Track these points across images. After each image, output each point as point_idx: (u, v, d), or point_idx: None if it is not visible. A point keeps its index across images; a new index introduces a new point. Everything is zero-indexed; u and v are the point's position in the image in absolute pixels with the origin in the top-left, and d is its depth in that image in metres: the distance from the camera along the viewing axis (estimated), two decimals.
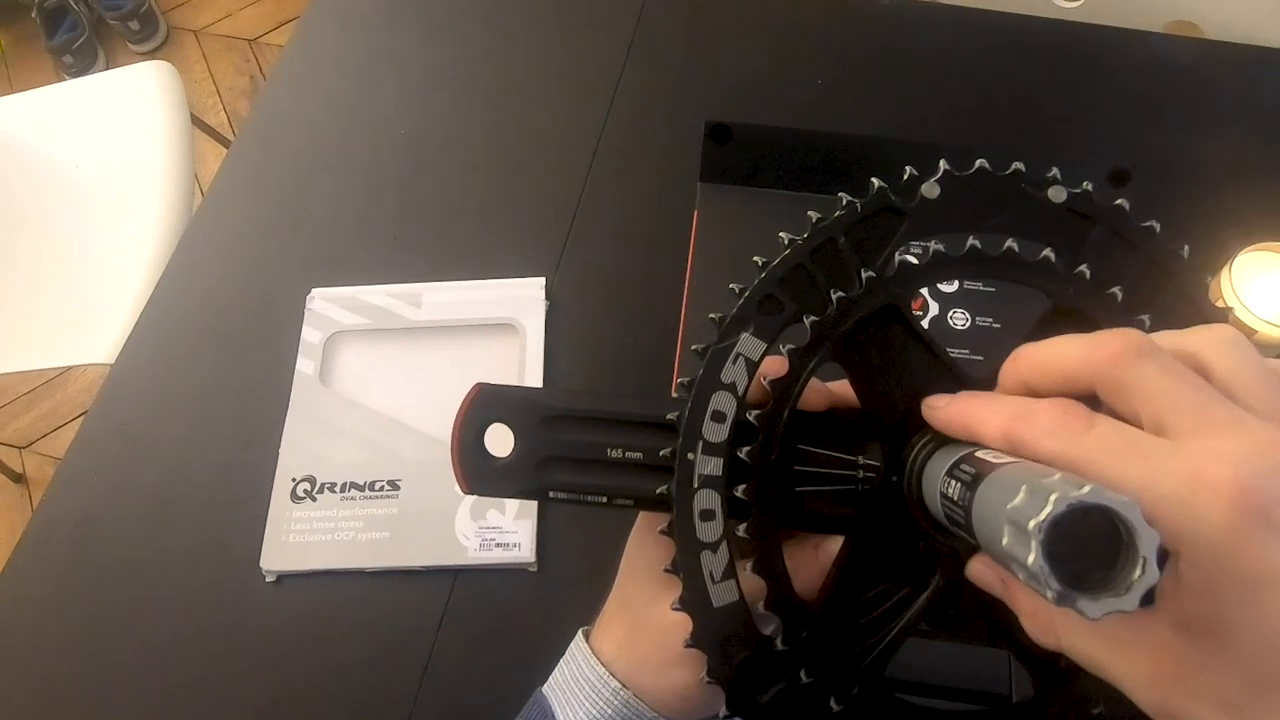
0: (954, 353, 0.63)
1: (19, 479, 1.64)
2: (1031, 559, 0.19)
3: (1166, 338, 0.25)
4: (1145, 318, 0.29)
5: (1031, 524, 0.19)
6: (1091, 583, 0.19)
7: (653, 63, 0.85)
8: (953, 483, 0.25)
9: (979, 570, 0.28)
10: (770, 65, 0.85)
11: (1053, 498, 0.19)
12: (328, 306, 0.73)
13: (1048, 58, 0.85)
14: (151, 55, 2.03)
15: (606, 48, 0.86)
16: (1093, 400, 0.24)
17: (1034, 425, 0.24)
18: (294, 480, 0.66)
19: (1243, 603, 0.21)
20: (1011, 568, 0.20)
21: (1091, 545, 0.19)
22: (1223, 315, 0.30)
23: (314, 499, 0.65)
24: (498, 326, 0.72)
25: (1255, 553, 0.20)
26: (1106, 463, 0.22)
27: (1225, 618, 0.21)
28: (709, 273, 0.69)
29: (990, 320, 0.64)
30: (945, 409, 0.28)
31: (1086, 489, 0.19)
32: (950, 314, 0.65)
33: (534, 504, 0.64)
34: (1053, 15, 1.01)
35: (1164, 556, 0.20)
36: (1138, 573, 0.19)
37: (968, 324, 0.64)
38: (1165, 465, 0.21)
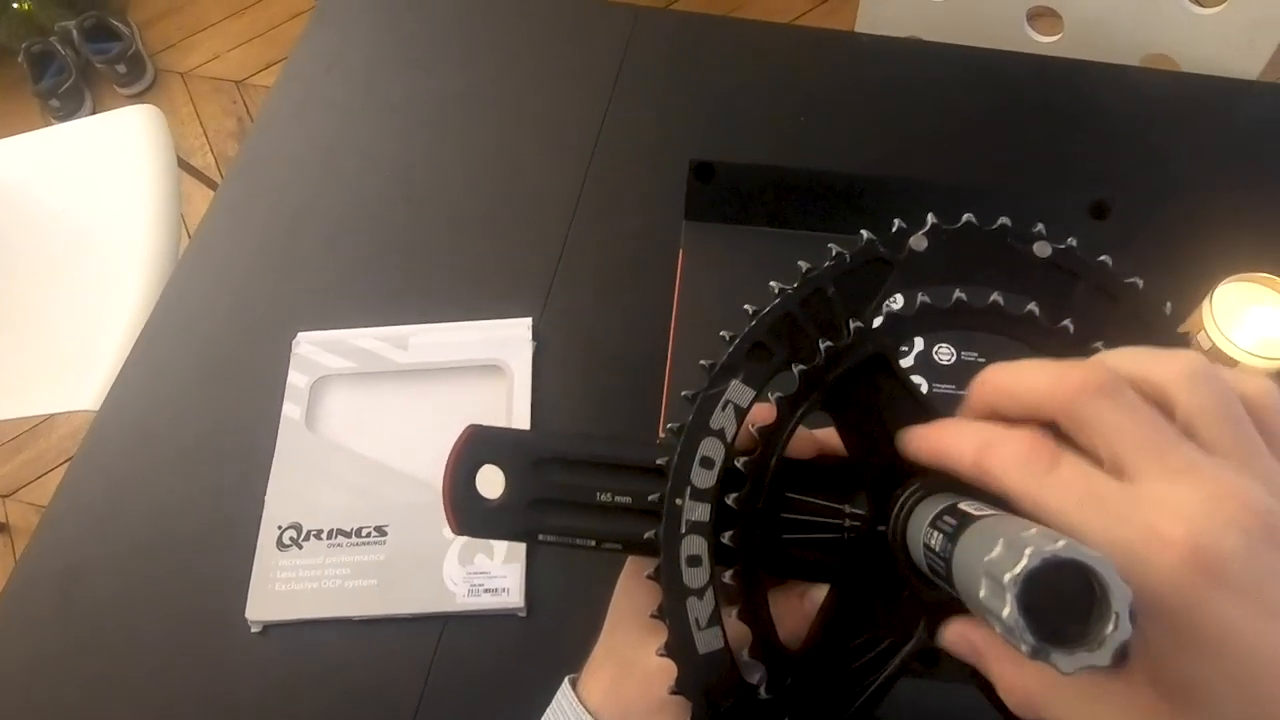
0: (939, 388, 0.63)
1: (1, 528, 1.62)
2: (1007, 612, 0.19)
3: (1135, 362, 0.25)
4: None
5: (1007, 577, 0.19)
6: (1066, 638, 0.19)
7: (636, 102, 0.86)
8: (935, 534, 0.25)
9: (954, 639, 0.28)
10: (752, 103, 0.86)
11: (1028, 552, 0.19)
12: (314, 350, 0.73)
13: (1027, 92, 0.86)
14: (139, 98, 2.04)
15: (591, 87, 0.87)
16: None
17: (1000, 457, 0.24)
18: (280, 528, 0.65)
19: (1205, 663, 0.21)
20: (989, 620, 0.20)
21: (1066, 600, 0.19)
22: None
23: (300, 546, 0.64)
24: (485, 368, 0.71)
25: (1209, 613, 0.20)
26: (1066, 509, 0.22)
27: (1191, 677, 0.21)
28: (695, 311, 0.69)
29: (975, 355, 0.64)
30: (920, 439, 0.28)
31: (1061, 544, 0.19)
32: (935, 349, 0.65)
33: (522, 548, 0.63)
34: (1031, 50, 1.03)
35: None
36: (1110, 628, 0.19)
37: (953, 359, 0.64)
38: (1123, 518, 0.21)
